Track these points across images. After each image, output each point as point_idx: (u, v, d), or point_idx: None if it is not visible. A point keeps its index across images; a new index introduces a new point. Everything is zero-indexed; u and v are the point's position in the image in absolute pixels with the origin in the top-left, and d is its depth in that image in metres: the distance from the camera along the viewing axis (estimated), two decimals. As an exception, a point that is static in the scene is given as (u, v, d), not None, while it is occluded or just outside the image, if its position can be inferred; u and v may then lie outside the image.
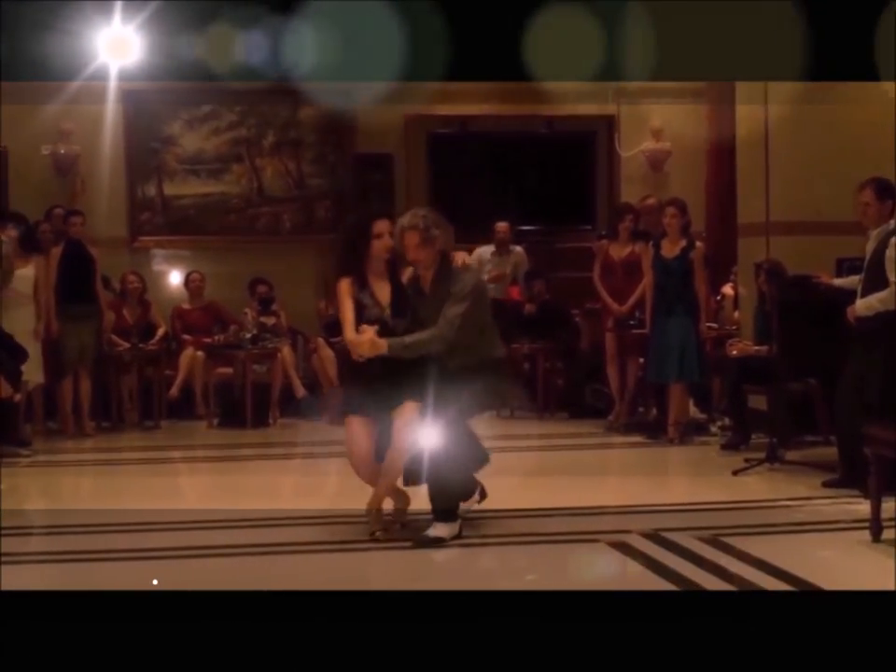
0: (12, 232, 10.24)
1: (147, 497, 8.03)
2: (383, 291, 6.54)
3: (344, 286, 6.49)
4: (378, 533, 6.47)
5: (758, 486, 8.14)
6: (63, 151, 12.91)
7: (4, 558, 5.94)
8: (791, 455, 8.77)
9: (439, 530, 6.41)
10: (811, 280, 8.47)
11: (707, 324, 10.19)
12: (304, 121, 13.54)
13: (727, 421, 10.08)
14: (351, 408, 6.55)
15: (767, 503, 7.56)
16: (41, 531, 6.97)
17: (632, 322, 10.60)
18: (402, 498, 6.72)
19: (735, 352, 9.50)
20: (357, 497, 6.69)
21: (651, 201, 11.55)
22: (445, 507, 6.46)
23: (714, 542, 6.32)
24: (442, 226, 6.51)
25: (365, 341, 6.29)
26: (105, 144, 13.04)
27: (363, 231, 6.52)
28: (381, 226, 6.48)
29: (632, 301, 10.59)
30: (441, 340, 6.38)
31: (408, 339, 6.37)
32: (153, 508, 7.57)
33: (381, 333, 6.33)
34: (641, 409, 11.10)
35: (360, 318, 6.46)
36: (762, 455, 8.60)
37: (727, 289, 11.33)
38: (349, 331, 6.44)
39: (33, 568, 6.08)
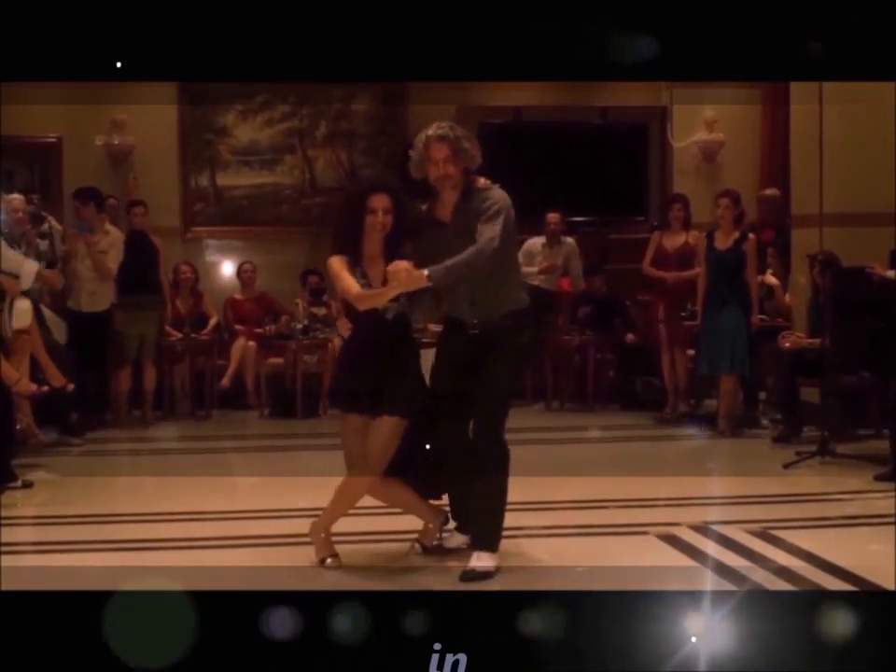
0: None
1: (196, 487, 8.06)
2: (376, 272, 5.65)
3: (336, 262, 5.62)
4: (329, 560, 5.76)
5: (809, 480, 8.09)
6: (116, 142, 12.97)
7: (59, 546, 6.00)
8: (843, 448, 8.70)
9: (485, 560, 5.58)
10: (865, 272, 8.42)
11: (759, 316, 10.10)
12: (357, 112, 13.56)
13: (779, 414, 10.02)
14: (342, 404, 5.92)
15: (818, 496, 7.53)
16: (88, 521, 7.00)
17: (684, 314, 10.54)
18: (437, 516, 6.04)
19: (787, 344, 9.43)
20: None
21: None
22: (491, 533, 5.68)
23: (764, 536, 6.29)
24: (470, 139, 5.81)
25: (401, 270, 5.37)
26: (159, 134, 13.11)
27: (357, 204, 5.68)
28: (376, 201, 5.60)
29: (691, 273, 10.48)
30: (481, 256, 5.46)
31: (449, 262, 5.43)
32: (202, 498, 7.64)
33: (372, 316, 5.58)
34: (692, 401, 11.04)
35: None
36: (813, 448, 8.57)
37: (768, 278, 11.01)
38: (353, 287, 5.54)
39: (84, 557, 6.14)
